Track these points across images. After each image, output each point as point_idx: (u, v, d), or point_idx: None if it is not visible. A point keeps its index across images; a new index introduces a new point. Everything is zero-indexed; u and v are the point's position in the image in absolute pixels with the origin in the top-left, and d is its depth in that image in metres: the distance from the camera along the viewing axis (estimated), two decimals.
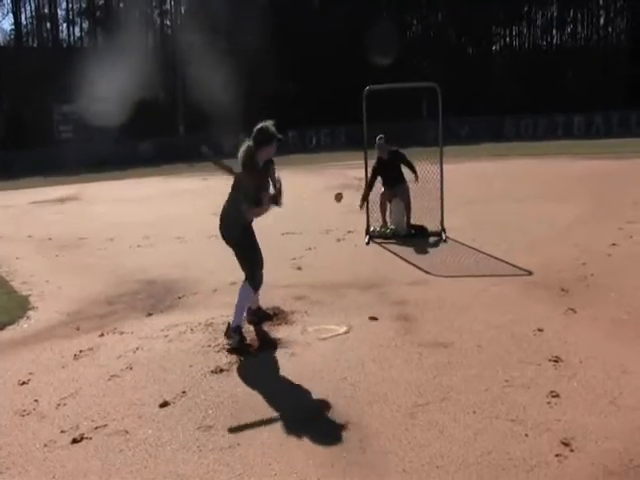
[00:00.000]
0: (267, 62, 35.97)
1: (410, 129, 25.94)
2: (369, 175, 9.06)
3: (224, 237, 4.93)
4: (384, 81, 10.30)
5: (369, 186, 9.06)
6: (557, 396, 3.65)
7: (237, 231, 4.85)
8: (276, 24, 37.59)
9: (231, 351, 4.68)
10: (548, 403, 3.58)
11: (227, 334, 4.82)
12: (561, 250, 7.43)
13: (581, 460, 2.99)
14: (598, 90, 35.51)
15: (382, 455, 3.15)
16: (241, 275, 5.02)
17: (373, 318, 5.27)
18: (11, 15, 43.86)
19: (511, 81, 38.47)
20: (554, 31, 45.81)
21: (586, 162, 18.01)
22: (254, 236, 4.98)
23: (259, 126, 4.76)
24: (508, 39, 46.94)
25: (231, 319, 4.86)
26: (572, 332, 4.69)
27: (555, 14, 45.40)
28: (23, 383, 4.36)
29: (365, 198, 8.99)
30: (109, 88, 29.58)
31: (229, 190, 4.95)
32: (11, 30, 45.14)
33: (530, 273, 6.49)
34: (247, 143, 4.77)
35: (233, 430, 3.48)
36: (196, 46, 34.50)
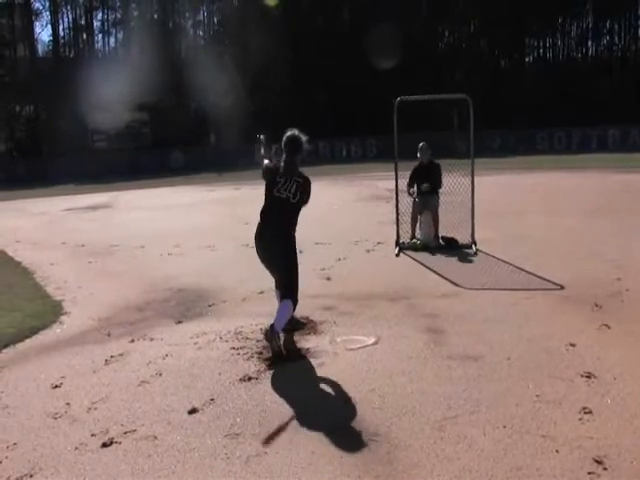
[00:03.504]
0: (298, 74, 36.25)
1: (441, 141, 25.87)
2: (410, 174, 9.26)
3: (270, 254, 4.99)
4: (415, 92, 10.28)
5: (410, 182, 9.26)
6: (590, 413, 3.58)
7: (293, 249, 4.99)
8: (306, 37, 37.91)
9: (271, 345, 4.67)
10: (580, 420, 3.51)
11: (268, 336, 4.71)
12: (595, 265, 7.31)
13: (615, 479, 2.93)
14: (635, 102, 34.89)
15: (410, 467, 3.12)
16: (270, 284, 5.04)
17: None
18: (49, 27, 45.04)
19: (544, 93, 38.06)
20: (589, 42, 45.21)
21: (621, 176, 17.75)
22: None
23: (294, 136, 4.87)
24: (541, 51, 46.46)
25: (273, 322, 4.73)
26: (606, 348, 4.60)
27: (590, 25, 44.78)
28: (56, 386, 4.43)
29: (409, 188, 9.26)
30: (142, 98, 30.08)
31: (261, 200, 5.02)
32: (49, 41, 46.26)
33: (562, 287, 6.40)
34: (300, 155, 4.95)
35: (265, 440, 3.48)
36: (228, 58, 34.88)
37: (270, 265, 5.07)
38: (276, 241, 4.95)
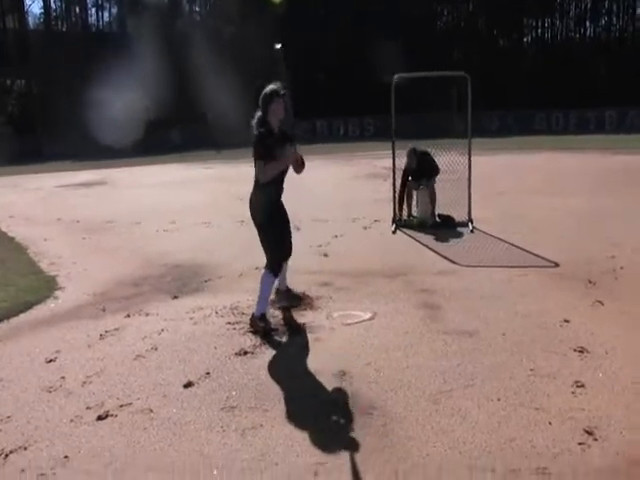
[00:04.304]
0: (296, 52, 35.92)
1: (439, 120, 25.76)
2: (400, 178, 9.05)
3: (252, 219, 4.92)
4: (413, 71, 10.22)
5: (402, 187, 9.08)
6: (582, 386, 3.60)
7: (259, 212, 4.78)
8: (306, 15, 37.53)
9: (256, 333, 4.70)
10: (573, 393, 3.54)
11: (252, 323, 4.82)
12: (590, 243, 7.32)
13: (605, 449, 2.96)
14: (633, 84, 34.71)
15: (405, 440, 3.14)
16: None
17: None
18: None
19: (542, 74, 37.84)
20: (587, 23, 44.91)
21: (619, 157, 17.72)
22: (280, 221, 4.91)
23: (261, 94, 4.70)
24: (540, 31, 46.14)
25: (254, 308, 4.86)
26: (599, 324, 4.62)
27: (589, 5, 44.44)
28: (50, 361, 4.43)
29: (401, 203, 9.08)
30: (137, 74, 29.79)
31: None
32: (41, 14, 45.65)
33: (557, 265, 6.41)
34: (257, 114, 4.73)
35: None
36: (224, 34, 34.50)
37: None
38: (251, 208, 4.85)
